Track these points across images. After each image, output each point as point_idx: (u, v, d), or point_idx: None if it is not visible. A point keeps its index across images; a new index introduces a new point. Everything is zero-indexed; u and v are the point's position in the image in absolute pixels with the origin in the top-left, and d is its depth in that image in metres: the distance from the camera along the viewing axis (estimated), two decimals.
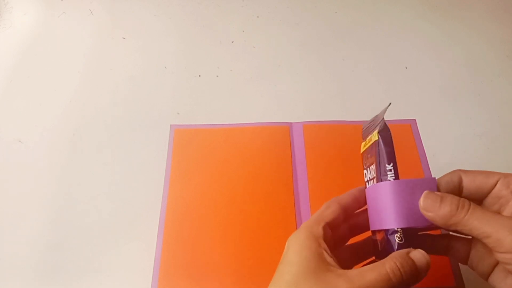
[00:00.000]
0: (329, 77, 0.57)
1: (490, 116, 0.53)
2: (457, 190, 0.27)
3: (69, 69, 0.57)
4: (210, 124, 0.51)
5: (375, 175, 0.30)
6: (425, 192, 0.26)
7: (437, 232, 0.29)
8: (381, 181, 0.29)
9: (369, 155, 0.32)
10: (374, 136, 0.31)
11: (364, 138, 0.34)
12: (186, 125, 0.51)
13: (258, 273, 0.40)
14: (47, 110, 0.53)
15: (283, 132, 0.50)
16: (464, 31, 0.63)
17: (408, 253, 0.25)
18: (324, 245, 0.26)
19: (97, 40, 0.61)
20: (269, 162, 0.47)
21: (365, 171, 0.32)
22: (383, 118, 0.32)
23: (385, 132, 0.31)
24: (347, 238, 0.29)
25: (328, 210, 0.29)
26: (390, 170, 0.29)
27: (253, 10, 0.65)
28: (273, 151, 0.48)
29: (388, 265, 0.24)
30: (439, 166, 0.48)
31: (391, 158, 0.30)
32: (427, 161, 0.48)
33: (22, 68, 0.57)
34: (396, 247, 0.27)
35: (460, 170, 0.27)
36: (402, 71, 0.58)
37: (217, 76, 0.57)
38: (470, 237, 0.27)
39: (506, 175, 0.26)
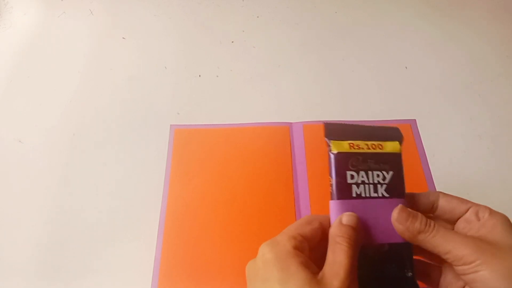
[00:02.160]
0: (329, 77, 0.57)
1: (490, 116, 0.53)
2: (431, 209, 0.30)
3: (69, 69, 0.57)
4: (210, 124, 0.51)
5: (383, 182, 0.30)
6: (401, 206, 0.28)
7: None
8: (398, 189, 0.29)
9: (373, 160, 0.30)
10: (394, 147, 0.31)
11: (341, 139, 0.31)
12: (186, 125, 0.51)
13: None
14: (47, 110, 0.53)
15: (283, 132, 0.50)
16: (464, 31, 0.63)
17: (340, 221, 0.27)
18: (305, 257, 0.26)
19: (97, 40, 0.61)
20: (269, 162, 0.47)
21: (350, 172, 0.30)
22: (402, 135, 0.32)
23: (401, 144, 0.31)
24: (323, 258, 0.28)
25: (309, 226, 0.28)
26: (405, 187, 0.30)
27: (253, 10, 0.65)
28: (273, 151, 0.48)
29: (338, 247, 0.26)
30: (439, 166, 0.48)
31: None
32: (427, 161, 0.48)
33: (22, 68, 0.57)
34: None
35: (440, 192, 0.30)
36: (402, 71, 0.58)
37: (217, 76, 0.57)
38: (441, 265, 0.30)
39: (477, 205, 0.29)
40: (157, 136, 0.50)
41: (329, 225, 0.28)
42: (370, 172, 0.30)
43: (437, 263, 0.30)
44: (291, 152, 0.48)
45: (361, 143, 0.31)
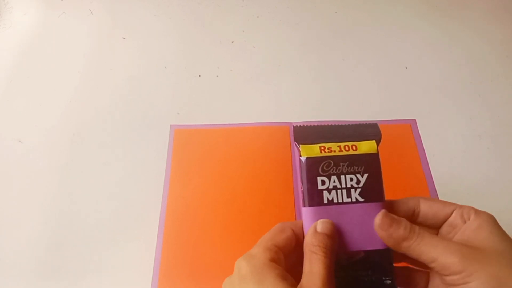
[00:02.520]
0: (329, 77, 0.57)
1: (490, 116, 0.53)
2: (411, 216, 0.28)
3: (69, 69, 0.57)
4: (210, 124, 0.51)
5: (357, 186, 0.28)
6: (384, 211, 0.27)
7: (399, 264, 0.29)
8: (375, 193, 0.28)
9: (345, 163, 0.28)
10: (370, 147, 0.29)
11: (310, 143, 0.30)
12: (186, 125, 0.51)
13: None
14: (47, 110, 0.53)
15: (283, 132, 0.50)
16: (464, 31, 0.63)
17: (315, 229, 0.26)
18: (282, 269, 0.25)
19: (97, 40, 0.61)
20: (269, 162, 0.47)
21: (321, 177, 0.28)
22: (381, 133, 0.30)
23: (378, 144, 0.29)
24: (298, 265, 0.27)
25: (282, 235, 0.27)
26: (383, 189, 0.28)
27: (253, 10, 0.65)
28: (273, 151, 0.48)
29: (314, 257, 0.25)
30: (439, 166, 0.48)
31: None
32: (427, 161, 0.48)
33: (22, 68, 0.57)
34: None
35: (420, 197, 0.29)
36: (402, 71, 0.58)
37: (217, 76, 0.57)
38: (428, 270, 0.28)
39: (461, 206, 0.27)
40: (157, 136, 0.50)
41: (303, 232, 0.28)
42: (342, 176, 0.28)
43: (423, 269, 0.29)
44: (291, 152, 0.48)
45: (333, 146, 0.29)
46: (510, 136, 0.52)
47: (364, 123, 0.30)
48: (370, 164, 0.28)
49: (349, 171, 0.28)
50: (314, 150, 0.29)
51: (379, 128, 0.30)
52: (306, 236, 0.26)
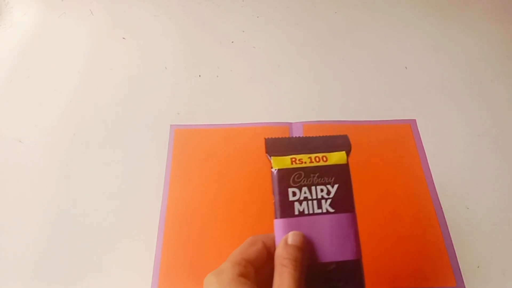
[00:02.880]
0: (329, 77, 0.57)
1: (490, 116, 0.53)
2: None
3: (69, 69, 0.57)
4: (210, 124, 0.51)
5: (328, 197, 0.28)
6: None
7: None
8: (346, 203, 0.28)
9: (316, 174, 0.29)
10: (340, 158, 0.29)
11: (282, 154, 0.30)
12: (186, 125, 0.51)
13: None
14: (47, 110, 0.53)
15: (283, 132, 0.50)
16: (464, 31, 0.63)
17: (286, 242, 0.26)
18: (251, 283, 0.25)
19: (97, 40, 0.61)
20: (269, 162, 0.47)
21: (293, 189, 0.29)
22: (350, 144, 0.30)
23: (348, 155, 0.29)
24: (271, 279, 0.27)
25: (252, 248, 0.27)
26: (353, 200, 0.28)
27: (253, 10, 0.65)
28: None
29: (285, 270, 0.24)
30: (439, 166, 0.48)
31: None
32: (427, 161, 0.48)
33: (22, 68, 0.57)
34: None
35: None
36: (402, 71, 0.58)
37: (217, 76, 0.57)
38: None
39: None
40: (157, 136, 0.50)
41: (274, 245, 0.27)
42: (313, 187, 0.28)
43: None
44: None
45: (304, 157, 0.29)
46: (510, 136, 0.52)
47: (334, 135, 0.31)
48: (340, 175, 0.29)
49: (319, 182, 0.29)
50: (285, 161, 0.30)
51: (349, 140, 0.30)
52: (277, 249, 0.26)
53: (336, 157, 0.29)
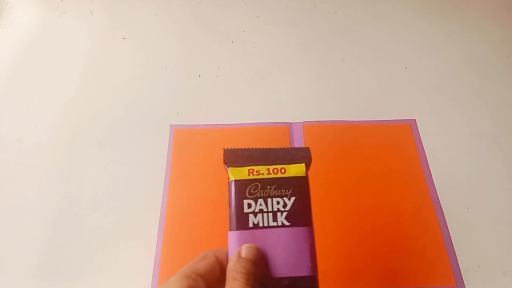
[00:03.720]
0: (329, 77, 0.57)
1: (490, 116, 0.53)
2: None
3: (69, 69, 0.57)
4: (210, 124, 0.51)
5: (284, 210, 0.27)
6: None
7: None
8: (303, 217, 0.27)
9: (273, 186, 0.28)
10: (299, 170, 0.28)
11: (240, 165, 0.29)
12: (186, 125, 0.51)
13: None
14: (47, 110, 0.53)
15: (283, 132, 0.50)
16: (464, 31, 0.63)
17: (239, 255, 0.26)
18: None
19: (97, 40, 0.61)
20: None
21: (248, 200, 0.28)
22: (311, 157, 0.29)
23: (308, 168, 0.29)
24: None
25: (203, 261, 0.26)
26: (311, 213, 0.27)
27: (253, 10, 0.65)
28: None
29: (236, 284, 0.24)
30: (439, 166, 0.48)
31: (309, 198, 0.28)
32: (427, 161, 0.48)
33: (22, 68, 0.57)
34: None
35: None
36: (402, 71, 0.58)
37: (217, 76, 0.57)
38: None
39: None
40: (157, 136, 0.50)
41: (227, 258, 0.27)
42: (269, 200, 0.28)
43: None
44: None
45: (262, 168, 0.29)
46: (510, 136, 0.52)
47: (295, 147, 0.30)
48: (298, 187, 0.28)
49: (276, 194, 0.28)
50: (243, 172, 0.29)
51: (309, 152, 0.30)
52: (230, 262, 0.26)
53: (295, 170, 0.28)
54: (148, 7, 0.65)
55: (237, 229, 0.27)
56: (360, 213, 0.44)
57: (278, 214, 0.27)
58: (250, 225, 0.27)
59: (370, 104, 0.54)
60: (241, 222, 0.27)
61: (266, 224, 0.27)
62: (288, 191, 0.28)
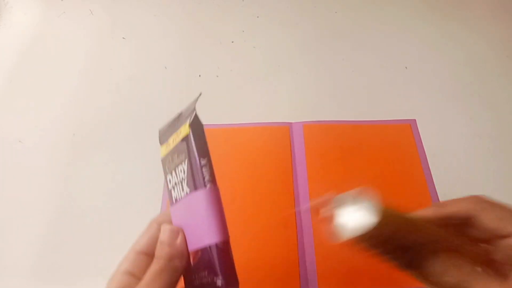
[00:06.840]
0: (329, 77, 0.57)
1: (490, 116, 0.53)
2: (459, 224, 0.24)
3: (69, 69, 0.57)
4: (210, 124, 0.51)
5: (184, 176, 0.24)
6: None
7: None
8: (195, 180, 0.23)
9: (175, 155, 0.25)
10: (184, 130, 0.25)
11: (164, 141, 0.27)
12: None
13: (257, 273, 0.40)
14: (47, 110, 0.53)
15: (283, 132, 0.50)
16: (464, 31, 0.63)
17: (160, 237, 0.25)
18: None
19: (97, 40, 0.61)
20: (269, 162, 0.47)
21: (168, 176, 0.26)
22: (195, 109, 0.25)
23: (197, 124, 0.25)
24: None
25: (146, 234, 0.26)
26: (205, 165, 0.24)
27: (253, 10, 0.65)
28: (273, 151, 0.48)
29: (154, 262, 0.24)
30: (439, 166, 0.48)
31: (206, 152, 0.24)
32: (427, 161, 0.48)
33: (22, 68, 0.57)
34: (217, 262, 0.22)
35: (477, 200, 0.23)
36: (402, 71, 0.58)
37: (217, 76, 0.57)
38: None
39: None
40: (157, 136, 0.50)
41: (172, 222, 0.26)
42: (176, 169, 0.25)
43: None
44: (291, 152, 0.48)
45: (171, 139, 0.26)
46: (510, 136, 0.52)
47: (189, 105, 0.26)
48: (187, 149, 0.24)
49: (177, 162, 0.25)
50: (163, 149, 0.27)
51: (194, 105, 0.26)
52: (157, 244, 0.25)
53: (184, 131, 0.25)
54: (148, 7, 0.65)
55: (171, 207, 0.26)
56: None
57: (183, 182, 0.24)
58: (173, 201, 0.25)
59: (370, 104, 0.54)
60: (170, 199, 0.26)
61: (180, 196, 0.25)
62: (183, 155, 0.24)
